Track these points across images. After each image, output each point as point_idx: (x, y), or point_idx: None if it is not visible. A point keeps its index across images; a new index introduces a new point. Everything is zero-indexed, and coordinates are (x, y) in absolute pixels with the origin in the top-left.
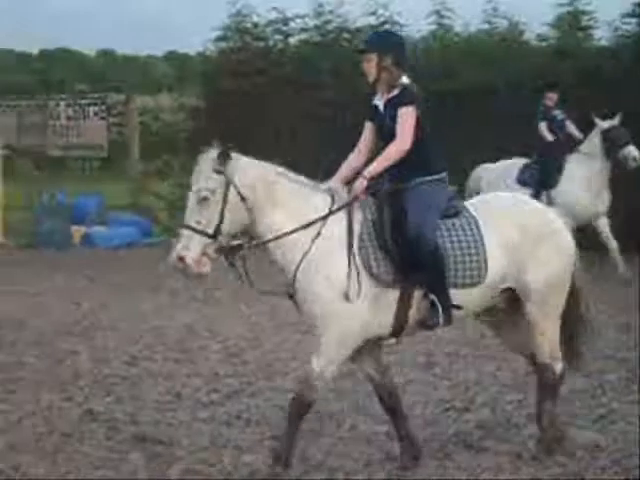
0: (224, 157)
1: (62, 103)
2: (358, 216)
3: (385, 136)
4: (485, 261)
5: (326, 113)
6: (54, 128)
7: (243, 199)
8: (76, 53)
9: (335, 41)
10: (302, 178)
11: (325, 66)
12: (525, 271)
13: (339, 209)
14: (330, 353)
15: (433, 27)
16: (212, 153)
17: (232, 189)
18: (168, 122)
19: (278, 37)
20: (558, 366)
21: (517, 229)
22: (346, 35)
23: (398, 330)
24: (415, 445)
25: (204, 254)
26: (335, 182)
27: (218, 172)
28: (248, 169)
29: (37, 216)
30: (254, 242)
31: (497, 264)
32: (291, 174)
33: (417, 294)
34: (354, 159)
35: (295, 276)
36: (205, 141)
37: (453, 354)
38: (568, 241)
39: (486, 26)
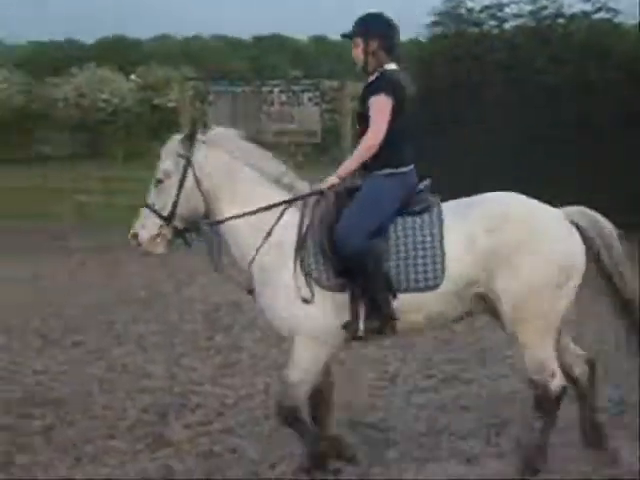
0: (188, 141)
1: (276, 89)
2: (309, 216)
3: (364, 125)
4: (442, 264)
5: (541, 100)
6: (268, 114)
7: (199, 186)
8: (289, 39)
9: (550, 27)
10: (273, 170)
11: (540, 52)
12: (494, 277)
13: (275, 205)
14: (304, 363)
15: None
16: (179, 135)
17: (190, 174)
18: None
19: (493, 23)
20: (552, 384)
21: (489, 232)
22: (561, 21)
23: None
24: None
25: (158, 234)
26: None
27: (179, 155)
28: (211, 156)
29: None
30: (204, 227)
31: (460, 268)
32: (262, 164)
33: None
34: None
35: (250, 273)
36: (416, 127)
37: None
38: (557, 249)
39: None
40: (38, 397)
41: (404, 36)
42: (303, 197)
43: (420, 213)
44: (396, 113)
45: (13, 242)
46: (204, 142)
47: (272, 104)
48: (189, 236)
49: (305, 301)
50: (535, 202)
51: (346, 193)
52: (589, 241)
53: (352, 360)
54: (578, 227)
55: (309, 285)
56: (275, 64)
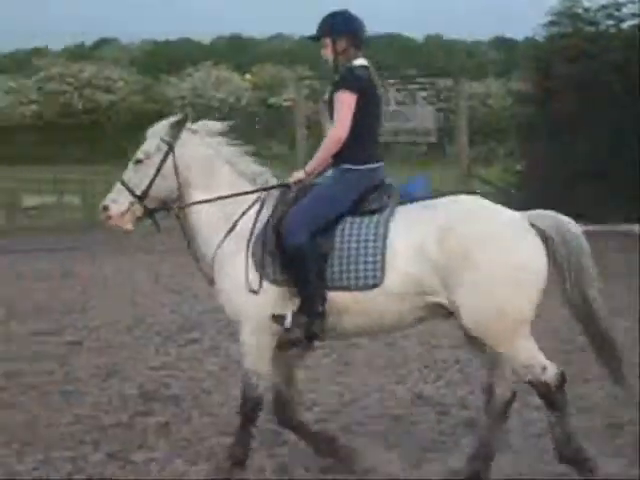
0: (175, 128)
1: (392, 88)
2: (268, 210)
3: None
4: (382, 264)
5: None
6: (384, 113)
7: (177, 173)
8: (404, 38)
9: None
10: (250, 169)
11: None
12: (450, 289)
13: (236, 195)
14: (251, 349)
15: None
16: (169, 120)
17: (170, 160)
18: (495, 108)
19: (609, 22)
20: (547, 376)
21: (439, 238)
22: None
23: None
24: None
25: (128, 210)
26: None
27: (163, 140)
28: (193, 147)
29: None
30: (174, 211)
31: (404, 271)
32: (240, 163)
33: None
34: None
35: (213, 267)
36: (532, 127)
37: None
38: (511, 252)
39: None
40: (154, 394)
41: (518, 36)
42: (265, 189)
43: (372, 213)
44: (361, 108)
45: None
46: (190, 132)
47: (388, 103)
48: (157, 218)
49: (252, 291)
50: (494, 206)
51: (308, 189)
52: (550, 243)
53: (468, 360)
54: (540, 230)
55: (257, 276)
56: (389, 63)
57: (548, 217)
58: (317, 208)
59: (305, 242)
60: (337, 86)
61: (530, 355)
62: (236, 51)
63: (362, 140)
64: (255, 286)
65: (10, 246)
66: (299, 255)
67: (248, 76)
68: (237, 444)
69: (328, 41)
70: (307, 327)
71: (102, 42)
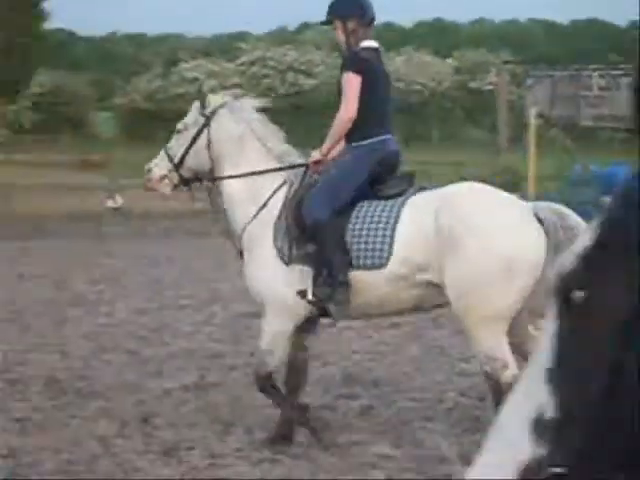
0: (215, 103)
1: (595, 74)
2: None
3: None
4: (390, 245)
5: None
6: (586, 99)
7: (209, 147)
8: (606, 24)
9: None
10: (278, 147)
11: None
12: (442, 269)
13: (258, 173)
14: (271, 331)
15: None
16: (213, 96)
17: (205, 134)
18: None
19: None
20: (503, 375)
21: (439, 217)
22: None
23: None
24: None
25: (166, 176)
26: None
27: (201, 114)
28: (227, 124)
29: (568, 186)
30: (207, 183)
31: (405, 252)
32: (270, 141)
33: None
34: None
35: (241, 238)
36: None
37: None
38: (507, 239)
39: None
40: (356, 377)
41: None
42: (286, 168)
43: (388, 198)
44: (367, 88)
45: None
46: (227, 108)
47: (591, 89)
48: (193, 189)
49: (275, 272)
50: (501, 194)
51: (325, 170)
52: (551, 236)
53: None
54: (543, 222)
55: (281, 257)
56: (592, 48)
57: (552, 209)
58: (334, 184)
59: (325, 218)
60: (343, 69)
61: (498, 347)
62: (438, 35)
63: (369, 117)
64: (277, 266)
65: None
66: (321, 230)
67: (450, 60)
68: (282, 419)
69: (338, 23)
70: (331, 296)
71: (304, 26)
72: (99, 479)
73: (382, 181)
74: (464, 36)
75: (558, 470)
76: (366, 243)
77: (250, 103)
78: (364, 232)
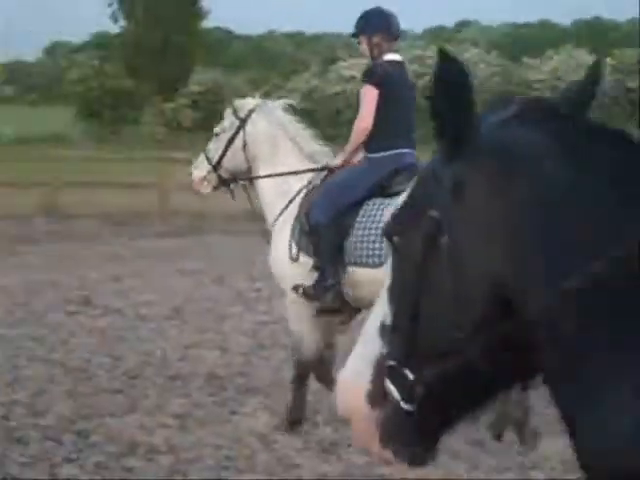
0: (248, 106)
1: None
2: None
3: None
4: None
5: None
6: None
7: (245, 148)
8: None
9: None
10: (310, 147)
11: None
12: None
13: (289, 174)
14: (292, 313)
15: None
16: (246, 100)
17: (240, 135)
18: None
19: None
20: None
21: None
22: None
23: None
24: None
25: (205, 177)
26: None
27: (237, 117)
28: (262, 125)
29: None
30: (244, 183)
31: None
32: (302, 141)
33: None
34: None
35: (272, 230)
36: None
37: None
38: None
39: None
40: None
41: None
42: (311, 170)
43: (391, 195)
44: (385, 101)
45: None
46: (261, 112)
47: None
48: (232, 188)
49: (284, 267)
50: None
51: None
52: None
53: None
54: None
55: (296, 249)
56: None
57: None
58: (337, 192)
59: (323, 221)
60: (363, 81)
61: None
62: (596, 34)
63: (387, 130)
64: (294, 257)
65: None
66: (317, 232)
67: (608, 60)
68: (294, 403)
69: (363, 38)
70: (319, 297)
71: (463, 24)
72: (258, 476)
73: (387, 181)
74: (624, 35)
75: (392, 363)
76: (369, 242)
77: (280, 104)
78: (369, 231)
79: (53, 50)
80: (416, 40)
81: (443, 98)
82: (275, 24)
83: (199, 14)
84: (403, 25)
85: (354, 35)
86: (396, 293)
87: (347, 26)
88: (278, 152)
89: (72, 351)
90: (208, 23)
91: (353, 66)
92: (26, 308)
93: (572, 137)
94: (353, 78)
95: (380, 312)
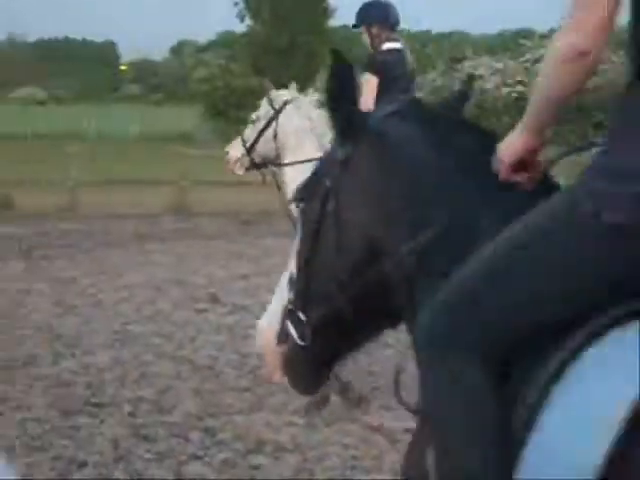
0: (283, 98)
1: None
2: None
3: None
4: None
5: None
6: None
7: (275, 137)
8: None
9: None
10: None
11: None
12: None
13: (305, 161)
14: None
15: None
16: (282, 91)
17: (273, 125)
18: None
19: None
20: None
21: None
22: None
23: None
24: None
25: (240, 159)
26: None
27: (272, 107)
28: (293, 117)
29: None
30: (273, 168)
31: None
32: (326, 134)
33: None
34: None
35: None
36: None
37: None
38: None
39: None
40: None
41: None
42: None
43: None
44: (383, 89)
45: None
46: (294, 104)
47: None
48: (263, 172)
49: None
50: None
51: None
52: None
53: None
54: None
55: None
56: None
57: None
58: None
59: None
60: (363, 70)
61: None
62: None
63: None
64: None
65: None
66: None
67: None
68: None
69: (364, 28)
70: None
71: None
72: (385, 476)
73: None
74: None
75: (291, 307)
76: None
77: (313, 99)
78: None
79: (180, 49)
80: (542, 39)
81: (336, 93)
82: (404, 24)
83: (325, 13)
84: (528, 24)
85: (355, 26)
86: (300, 252)
87: (475, 25)
88: (302, 145)
89: (199, 348)
90: (334, 22)
91: (479, 65)
92: (153, 306)
93: (438, 129)
94: (480, 77)
95: (291, 268)
